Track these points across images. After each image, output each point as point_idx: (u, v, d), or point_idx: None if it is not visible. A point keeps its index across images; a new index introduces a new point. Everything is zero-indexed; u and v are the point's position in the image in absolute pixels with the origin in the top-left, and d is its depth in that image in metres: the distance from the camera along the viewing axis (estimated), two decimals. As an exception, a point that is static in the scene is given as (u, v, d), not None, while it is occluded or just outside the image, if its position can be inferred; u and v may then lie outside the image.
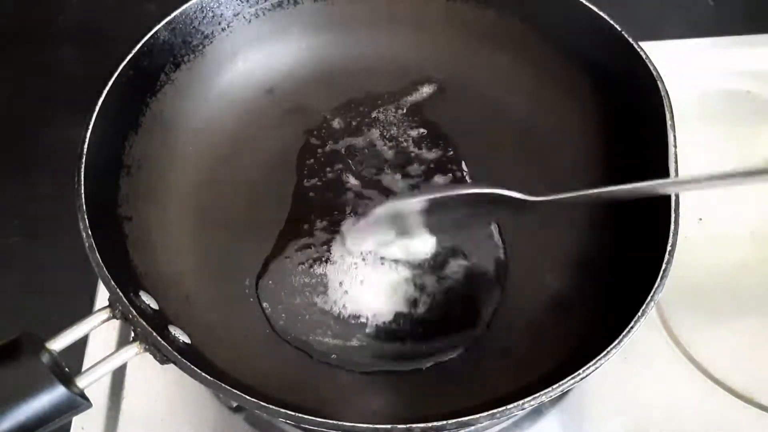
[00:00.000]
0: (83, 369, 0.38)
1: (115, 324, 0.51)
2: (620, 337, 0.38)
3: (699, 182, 0.39)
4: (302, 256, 0.51)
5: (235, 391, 0.37)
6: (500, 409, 0.36)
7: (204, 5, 0.54)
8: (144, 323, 0.38)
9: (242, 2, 0.56)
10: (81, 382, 0.37)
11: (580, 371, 0.37)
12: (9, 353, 0.35)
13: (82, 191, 0.43)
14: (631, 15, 0.54)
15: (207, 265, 0.50)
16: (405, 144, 0.56)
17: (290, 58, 0.59)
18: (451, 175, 0.55)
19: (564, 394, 0.45)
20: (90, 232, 0.41)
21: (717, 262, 0.57)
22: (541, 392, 0.37)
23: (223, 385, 0.37)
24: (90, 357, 0.53)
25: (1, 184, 0.66)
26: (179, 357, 0.38)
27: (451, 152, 0.56)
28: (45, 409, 0.35)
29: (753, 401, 0.50)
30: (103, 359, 0.38)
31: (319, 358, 0.47)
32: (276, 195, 0.54)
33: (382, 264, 0.50)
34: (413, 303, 0.49)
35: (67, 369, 0.37)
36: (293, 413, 0.36)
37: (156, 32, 0.51)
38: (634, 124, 0.49)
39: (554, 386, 0.37)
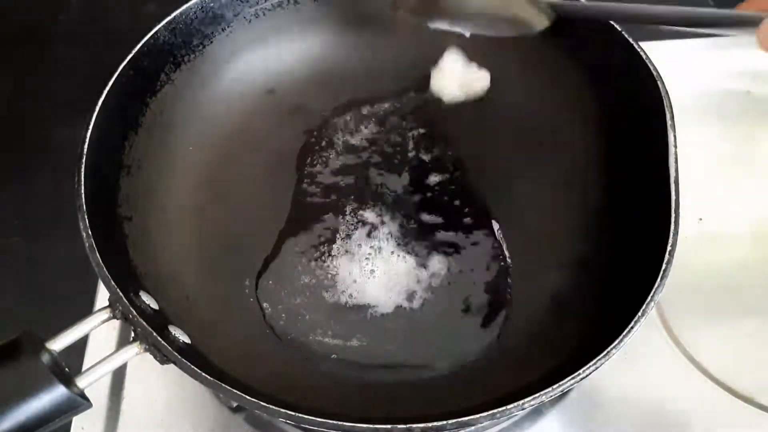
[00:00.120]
0: (83, 369, 0.38)
1: (115, 324, 0.51)
2: (620, 337, 0.38)
3: None
4: (302, 255, 0.51)
5: (235, 391, 0.37)
6: (500, 409, 0.36)
7: (204, 5, 0.54)
8: (144, 323, 0.38)
9: (242, 2, 0.56)
10: (81, 382, 0.37)
11: (580, 371, 0.37)
12: (9, 353, 0.35)
13: (82, 191, 0.43)
14: (631, 15, 0.54)
15: (207, 265, 0.50)
16: (405, 144, 0.56)
17: (290, 58, 0.59)
18: (449, 175, 0.55)
19: (564, 394, 0.45)
20: (90, 232, 0.41)
21: (717, 262, 0.57)
22: (541, 392, 0.37)
23: (223, 385, 0.37)
24: (90, 357, 0.53)
25: (1, 184, 0.66)
26: (179, 357, 0.38)
27: (451, 152, 0.56)
28: (45, 409, 0.35)
29: (753, 401, 0.50)
30: (103, 359, 0.38)
31: (319, 358, 0.47)
32: (276, 195, 0.54)
33: (391, 254, 0.50)
34: (410, 297, 0.49)
35: (67, 369, 0.37)
36: (293, 413, 0.36)
37: (156, 32, 0.51)
38: (634, 124, 0.49)
39: (554, 386, 0.37)
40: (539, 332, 0.47)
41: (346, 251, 0.51)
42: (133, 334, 0.39)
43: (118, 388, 0.52)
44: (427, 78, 0.58)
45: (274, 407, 0.36)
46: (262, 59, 0.58)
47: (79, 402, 0.36)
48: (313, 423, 0.36)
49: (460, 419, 0.36)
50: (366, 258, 0.51)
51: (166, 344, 0.38)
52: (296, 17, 0.58)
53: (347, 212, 0.53)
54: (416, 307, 0.49)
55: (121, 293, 0.39)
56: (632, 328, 0.39)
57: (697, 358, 0.52)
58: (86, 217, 0.41)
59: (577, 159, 0.54)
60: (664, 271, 0.40)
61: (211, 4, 0.54)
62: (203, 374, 0.37)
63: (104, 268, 0.40)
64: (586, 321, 0.45)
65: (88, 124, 0.45)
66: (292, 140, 0.57)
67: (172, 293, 0.46)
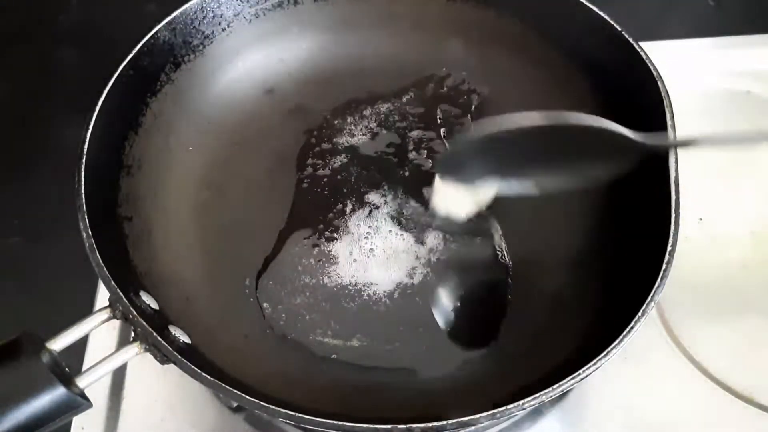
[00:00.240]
0: (83, 369, 0.38)
1: (115, 324, 0.51)
2: (620, 337, 0.38)
3: None
4: (302, 255, 0.51)
5: (235, 391, 0.37)
6: (500, 409, 0.36)
7: (204, 5, 0.54)
8: (144, 323, 0.38)
9: (242, 2, 0.56)
10: (81, 382, 0.37)
11: (580, 371, 0.37)
12: (9, 353, 0.35)
13: (82, 191, 0.43)
14: (631, 15, 0.54)
15: (207, 265, 0.50)
16: (405, 144, 0.56)
17: (290, 58, 0.59)
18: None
19: (564, 394, 0.45)
20: (90, 232, 0.41)
21: (717, 262, 0.57)
22: (541, 392, 0.37)
23: (223, 385, 0.37)
24: (90, 357, 0.52)
25: (1, 184, 0.66)
26: (179, 357, 0.38)
27: (451, 152, 0.56)
28: (45, 409, 0.35)
29: (753, 401, 0.50)
30: (103, 359, 0.38)
31: (319, 358, 0.47)
32: (276, 195, 0.54)
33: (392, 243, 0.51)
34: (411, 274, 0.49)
35: (67, 369, 0.37)
36: (293, 413, 0.36)
37: (156, 32, 0.51)
38: (634, 125, 0.49)
39: (554, 386, 0.37)
40: (539, 332, 0.47)
41: (347, 251, 0.51)
42: (133, 334, 0.39)
43: (118, 388, 0.52)
44: (427, 78, 0.59)
45: (274, 407, 0.36)
46: (261, 59, 0.58)
47: (79, 402, 0.36)
48: (313, 423, 0.36)
49: (460, 419, 0.36)
50: (366, 258, 0.51)
51: (166, 344, 0.38)
52: (296, 17, 0.58)
53: (347, 212, 0.53)
54: (413, 278, 0.49)
55: (121, 293, 0.39)
56: (632, 328, 0.39)
57: (697, 358, 0.52)
58: (86, 217, 0.41)
59: (577, 159, 0.53)
60: (664, 271, 0.40)
61: (212, 4, 0.54)
62: (203, 374, 0.37)
63: (104, 268, 0.40)
64: (586, 321, 0.45)
65: (88, 124, 0.45)
66: (292, 140, 0.57)
67: (173, 293, 0.46)
